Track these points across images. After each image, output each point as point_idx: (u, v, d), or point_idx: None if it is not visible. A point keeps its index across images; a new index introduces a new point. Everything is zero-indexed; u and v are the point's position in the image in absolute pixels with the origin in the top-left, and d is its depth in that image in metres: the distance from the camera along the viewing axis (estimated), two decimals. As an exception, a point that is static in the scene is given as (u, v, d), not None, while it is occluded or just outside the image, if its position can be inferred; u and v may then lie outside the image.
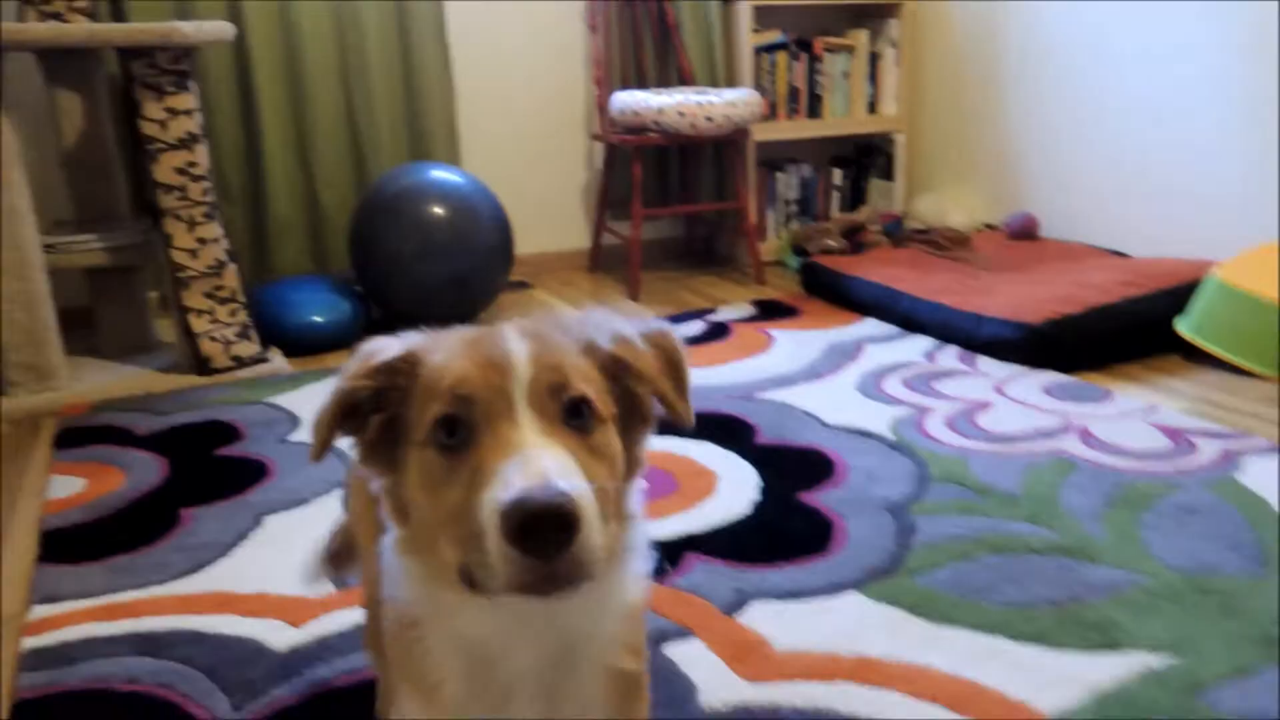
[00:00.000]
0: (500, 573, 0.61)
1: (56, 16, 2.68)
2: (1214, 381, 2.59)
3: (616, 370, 0.72)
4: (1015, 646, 1.46)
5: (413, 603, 0.73)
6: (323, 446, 0.72)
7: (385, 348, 0.72)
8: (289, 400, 2.58)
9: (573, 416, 0.67)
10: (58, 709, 1.39)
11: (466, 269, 3.08)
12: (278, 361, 2.87)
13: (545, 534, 0.59)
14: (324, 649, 1.50)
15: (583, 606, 0.70)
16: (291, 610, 1.61)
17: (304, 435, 2.33)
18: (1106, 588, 1.60)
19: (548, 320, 0.74)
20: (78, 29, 2.49)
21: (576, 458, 0.65)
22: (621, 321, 0.75)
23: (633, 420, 0.73)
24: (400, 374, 0.70)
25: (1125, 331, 2.77)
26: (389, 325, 3.28)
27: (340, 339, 3.07)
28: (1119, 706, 1.33)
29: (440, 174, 3.17)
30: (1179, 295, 2.82)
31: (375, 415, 0.71)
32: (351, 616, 1.58)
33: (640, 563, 0.76)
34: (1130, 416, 2.32)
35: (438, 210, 3.05)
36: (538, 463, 0.61)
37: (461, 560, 0.65)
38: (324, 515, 1.94)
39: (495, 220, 3.18)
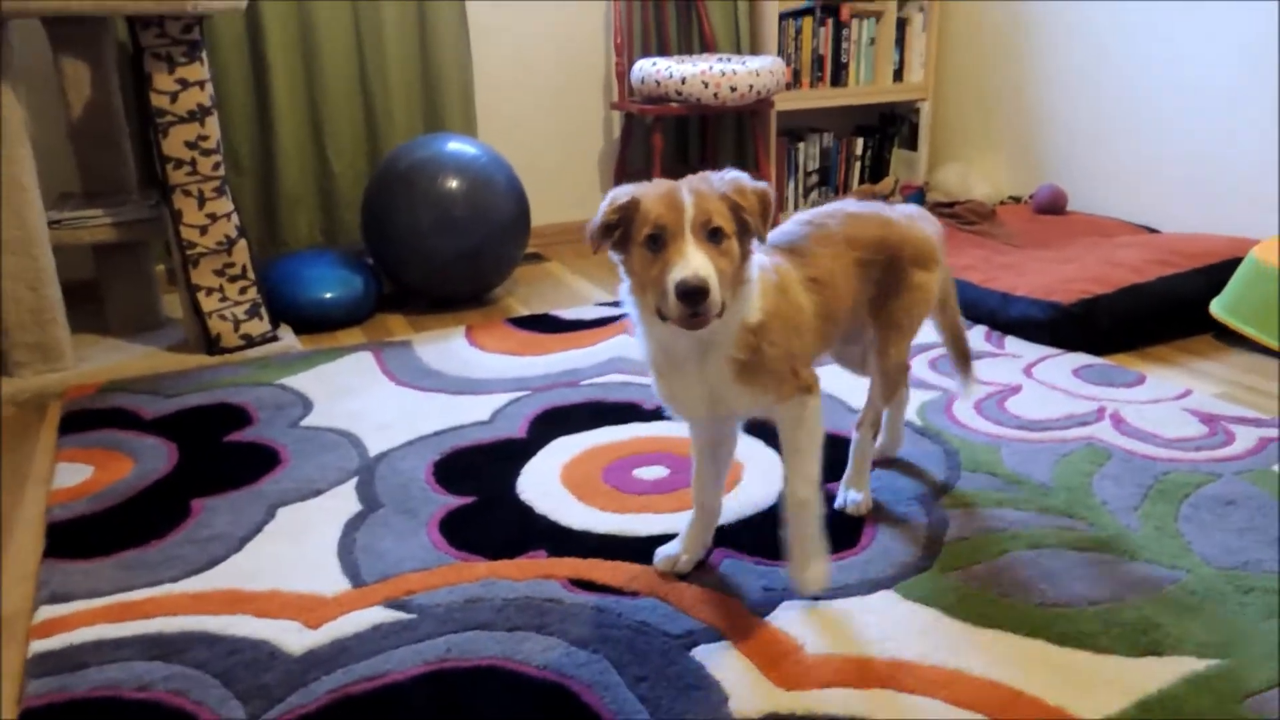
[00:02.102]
0: (672, 312, 1.29)
1: (60, -16, 2.59)
2: (1248, 364, 2.52)
3: (735, 205, 1.35)
4: (1055, 650, 1.42)
5: (642, 323, 1.43)
6: (597, 249, 1.39)
7: (621, 194, 1.36)
8: (300, 382, 2.52)
9: (712, 236, 1.32)
10: (67, 718, 1.34)
11: (481, 243, 3.01)
12: (288, 339, 2.82)
13: (693, 296, 1.25)
14: (340, 652, 1.45)
15: (710, 326, 1.33)
16: (307, 609, 1.56)
17: (317, 420, 2.28)
18: (1146, 586, 1.56)
19: (703, 180, 1.37)
20: (84, -3, 2.39)
21: (712, 258, 1.30)
22: (743, 178, 1.39)
23: (744, 232, 1.37)
24: (629, 209, 1.34)
25: (1158, 312, 2.69)
26: (401, 301, 3.17)
27: (352, 315, 3.01)
28: (1162, 712, 1.29)
29: (456, 145, 3.09)
30: (1212, 274, 2.75)
31: (617, 230, 1.36)
32: (368, 617, 1.53)
33: (749, 305, 1.41)
34: (1164, 401, 2.26)
35: (453, 183, 2.98)
36: (694, 262, 1.27)
37: (656, 304, 1.34)
38: (339, 506, 1.89)
39: (511, 192, 3.11)
